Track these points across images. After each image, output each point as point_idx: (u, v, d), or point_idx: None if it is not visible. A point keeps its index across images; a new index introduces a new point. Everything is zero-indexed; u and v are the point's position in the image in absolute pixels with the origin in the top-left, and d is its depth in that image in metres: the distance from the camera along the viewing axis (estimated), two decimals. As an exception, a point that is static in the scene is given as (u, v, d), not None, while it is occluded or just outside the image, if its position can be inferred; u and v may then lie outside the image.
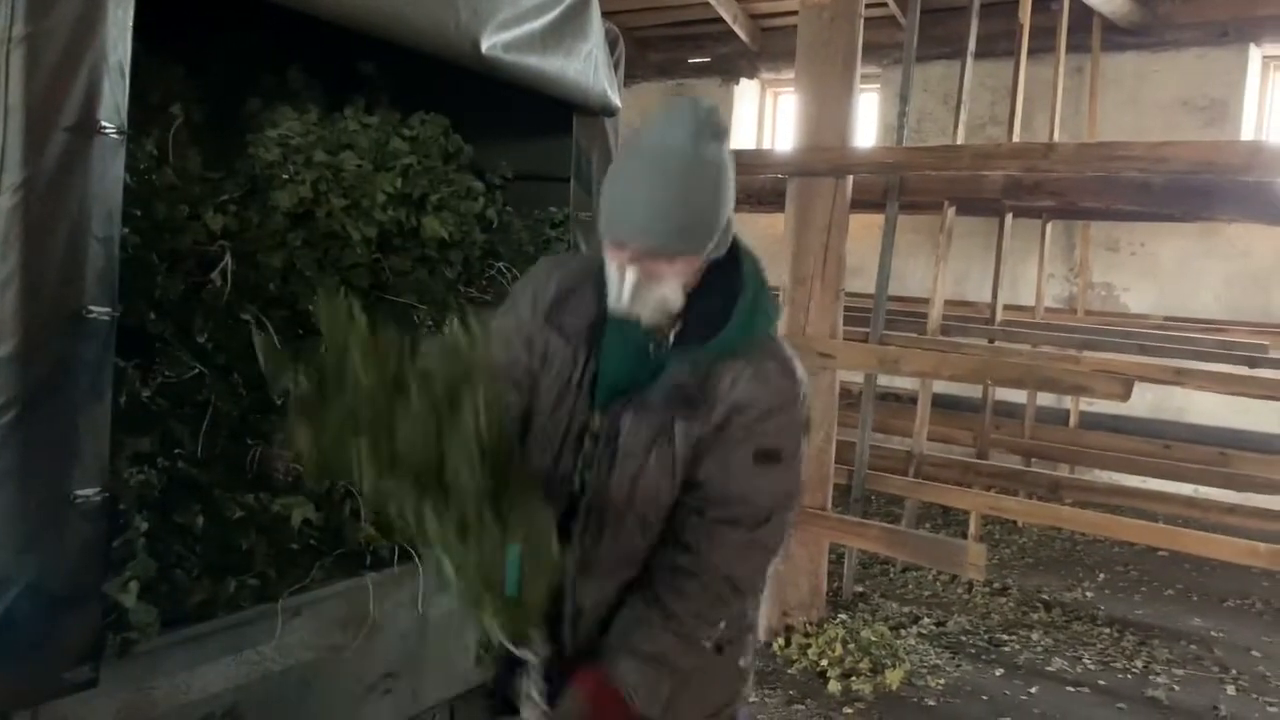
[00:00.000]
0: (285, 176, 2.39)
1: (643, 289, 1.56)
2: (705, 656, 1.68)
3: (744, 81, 9.80)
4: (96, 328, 1.60)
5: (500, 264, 2.89)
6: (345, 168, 2.50)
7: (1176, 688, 4.36)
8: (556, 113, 2.82)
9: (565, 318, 1.67)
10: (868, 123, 8.65)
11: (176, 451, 1.98)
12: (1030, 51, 6.20)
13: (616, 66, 2.88)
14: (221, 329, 2.13)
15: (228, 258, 2.15)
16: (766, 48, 9.30)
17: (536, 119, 2.88)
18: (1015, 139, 6.09)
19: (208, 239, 2.16)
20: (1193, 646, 4.87)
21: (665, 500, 1.63)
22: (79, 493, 1.60)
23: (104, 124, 1.59)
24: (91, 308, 1.59)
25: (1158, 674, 4.50)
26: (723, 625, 1.67)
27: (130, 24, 1.64)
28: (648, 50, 9.60)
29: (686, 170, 1.52)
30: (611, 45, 2.85)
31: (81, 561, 1.62)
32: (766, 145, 9.92)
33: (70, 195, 1.56)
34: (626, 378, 1.63)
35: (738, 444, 1.60)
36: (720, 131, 1.57)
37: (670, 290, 1.58)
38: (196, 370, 2.04)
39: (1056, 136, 6.70)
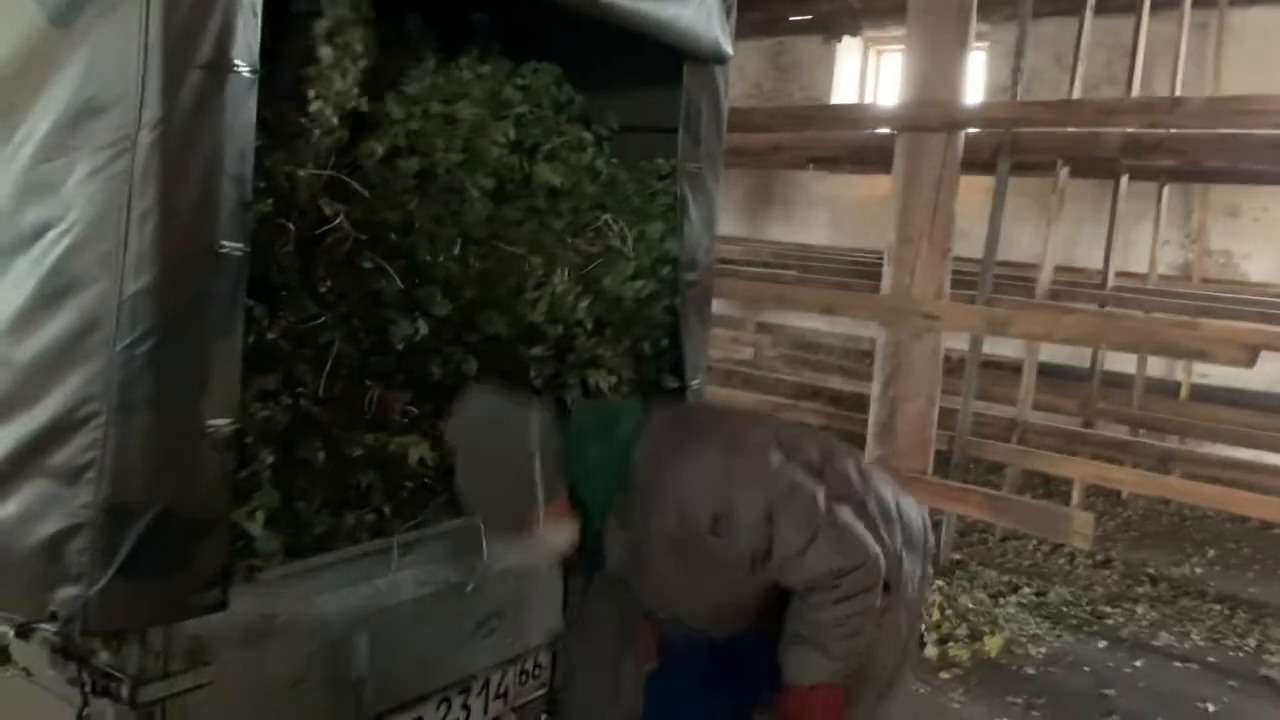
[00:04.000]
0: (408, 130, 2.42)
1: None
2: None
3: (846, 39, 9.59)
4: (229, 263, 1.63)
5: (606, 216, 2.87)
6: (461, 117, 2.51)
7: (1292, 669, 4.20)
8: (666, 61, 2.76)
9: None
10: (975, 82, 8.38)
11: (299, 390, 2.03)
12: (1151, 7, 5.92)
13: (729, 12, 2.82)
14: (343, 276, 2.18)
15: (344, 211, 2.18)
16: (870, 4, 9.05)
17: (645, 68, 2.82)
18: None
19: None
20: (1310, 628, 4.69)
21: None
22: (210, 423, 1.64)
23: (238, 62, 1.61)
24: (225, 243, 1.62)
25: (1272, 654, 4.33)
26: None
27: (262, -35, 1.66)
28: (747, 7, 9.42)
29: None
30: (726, -12, 2.79)
31: (212, 490, 1.67)
32: (868, 105, 9.70)
33: (205, 132, 1.59)
34: None
35: None
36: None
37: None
38: (320, 315, 2.08)
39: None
